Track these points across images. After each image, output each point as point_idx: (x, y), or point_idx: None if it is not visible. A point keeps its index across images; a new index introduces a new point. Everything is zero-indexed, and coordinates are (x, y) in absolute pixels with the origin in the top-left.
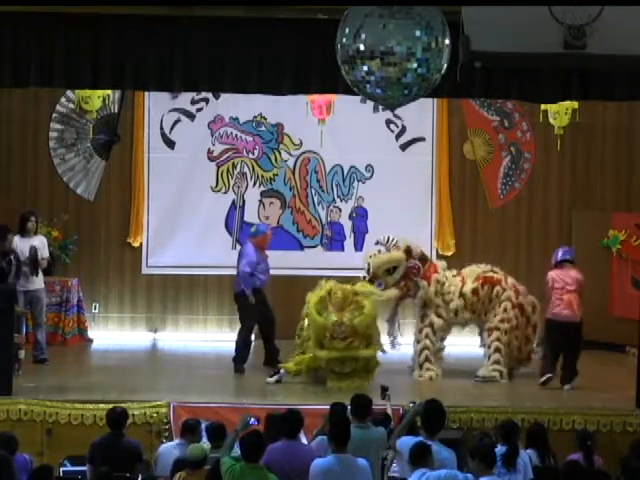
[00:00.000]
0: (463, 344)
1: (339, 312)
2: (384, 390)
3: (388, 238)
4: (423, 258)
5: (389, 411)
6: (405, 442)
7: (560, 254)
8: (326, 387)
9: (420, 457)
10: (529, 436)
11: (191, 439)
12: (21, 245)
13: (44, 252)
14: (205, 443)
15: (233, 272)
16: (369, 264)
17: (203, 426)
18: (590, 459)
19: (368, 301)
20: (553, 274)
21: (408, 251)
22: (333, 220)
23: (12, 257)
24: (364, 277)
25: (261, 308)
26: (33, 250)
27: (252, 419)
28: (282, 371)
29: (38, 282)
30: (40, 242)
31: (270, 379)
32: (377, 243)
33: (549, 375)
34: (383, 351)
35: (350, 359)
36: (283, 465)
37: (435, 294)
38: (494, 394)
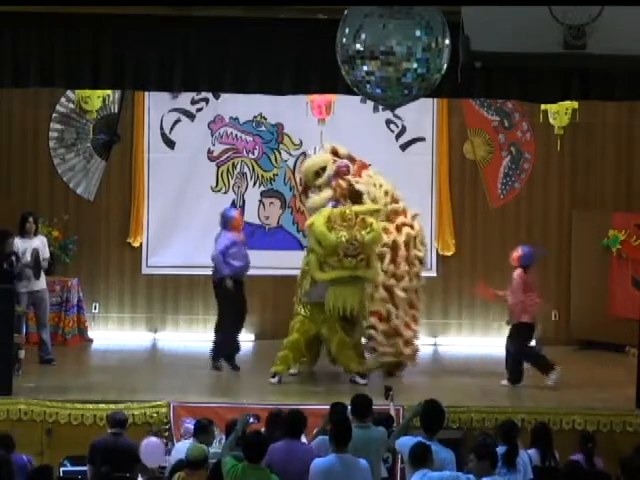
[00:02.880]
0: (461, 344)
1: (349, 230)
2: (388, 390)
3: (315, 148)
4: (351, 158)
5: (392, 412)
6: (404, 442)
7: (531, 256)
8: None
9: (420, 458)
10: (534, 435)
11: (205, 440)
12: (22, 246)
13: (45, 252)
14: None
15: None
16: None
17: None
18: (591, 461)
19: (372, 218)
20: (525, 277)
21: (334, 151)
22: None
23: (13, 259)
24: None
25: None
26: (35, 253)
27: (252, 418)
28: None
29: (41, 283)
30: (41, 242)
31: (272, 379)
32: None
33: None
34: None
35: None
36: (284, 465)
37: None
38: (494, 394)
